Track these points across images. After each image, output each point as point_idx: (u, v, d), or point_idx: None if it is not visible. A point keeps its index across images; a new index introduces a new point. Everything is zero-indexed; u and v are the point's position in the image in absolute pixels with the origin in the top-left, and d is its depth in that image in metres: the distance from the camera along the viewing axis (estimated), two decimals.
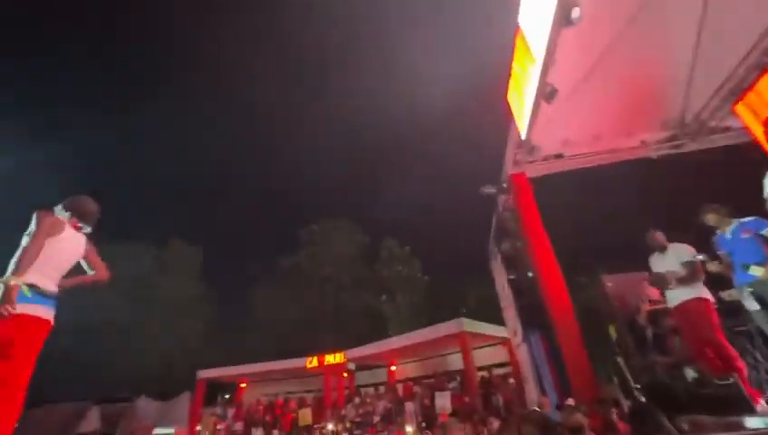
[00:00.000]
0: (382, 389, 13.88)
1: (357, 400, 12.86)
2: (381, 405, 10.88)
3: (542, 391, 5.25)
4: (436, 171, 30.98)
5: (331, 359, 14.75)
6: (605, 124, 5.19)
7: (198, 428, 14.82)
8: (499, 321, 11.08)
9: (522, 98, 4.08)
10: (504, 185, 5.68)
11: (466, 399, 9.34)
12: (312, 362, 15.27)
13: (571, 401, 3.53)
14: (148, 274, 23.19)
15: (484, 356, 12.67)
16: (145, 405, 8.79)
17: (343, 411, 12.09)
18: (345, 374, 15.25)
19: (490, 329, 11.59)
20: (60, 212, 2.26)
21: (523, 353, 6.15)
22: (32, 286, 1.98)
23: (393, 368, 15.38)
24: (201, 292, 24.81)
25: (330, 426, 11.23)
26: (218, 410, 16.58)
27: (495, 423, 5.67)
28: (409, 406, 9.56)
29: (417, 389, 11.36)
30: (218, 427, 14.79)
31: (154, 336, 21.51)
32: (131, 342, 21.01)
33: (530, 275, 5.72)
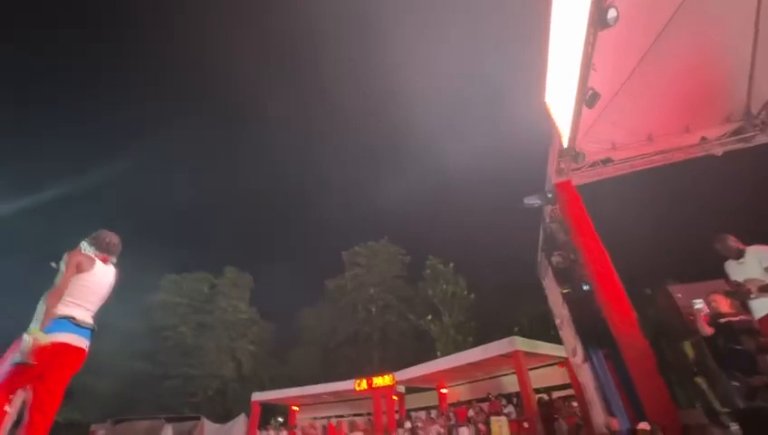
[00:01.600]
0: (434, 413, 13.39)
1: (408, 424, 12.49)
2: (434, 430, 10.48)
3: (611, 414, 4.80)
4: (477, 185, 30.34)
5: (379, 381, 14.56)
6: (657, 123, 4.88)
7: None
8: (554, 339, 10.41)
9: (562, 103, 3.97)
10: (549, 195, 5.46)
11: (525, 424, 8.74)
12: (361, 384, 15.16)
13: (645, 426, 3.19)
14: (206, 301, 24.66)
15: (541, 377, 11.86)
16: (209, 425, 9.16)
17: None
18: (395, 397, 14.96)
19: (546, 348, 10.87)
20: (86, 248, 2.43)
21: (585, 374, 5.69)
22: (71, 318, 2.18)
23: (444, 390, 14.85)
24: (253, 316, 25.85)
25: None
26: (272, 432, 16.83)
27: None
28: (464, 432, 9.12)
29: (471, 413, 10.83)
30: None
31: (211, 361, 22.57)
32: (190, 365, 22.18)
33: (585, 288, 5.36)
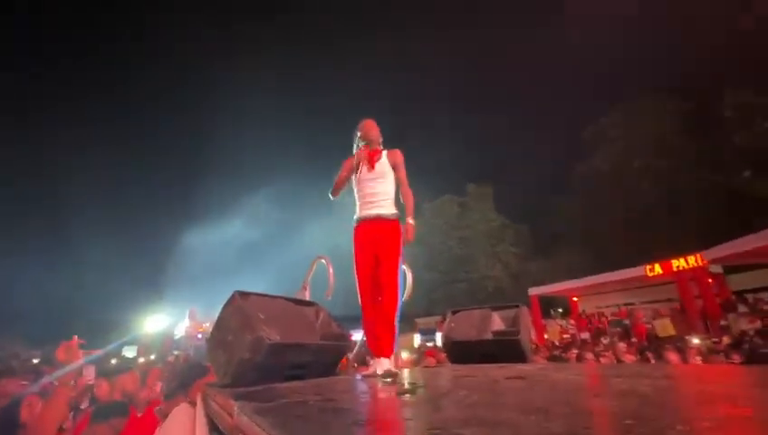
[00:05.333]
0: None
1: (742, 308, 9.91)
2: None
3: None
4: None
5: (681, 263, 12.11)
6: None
7: (546, 335, 16.38)
8: None
9: None
10: None
11: None
12: (654, 269, 13.13)
13: None
14: (459, 217, 27.61)
15: None
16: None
17: (724, 322, 9.67)
18: (710, 280, 12.12)
19: None
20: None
21: None
22: None
23: None
24: (504, 221, 26.93)
25: (696, 341, 9.22)
26: (560, 320, 17.62)
27: None
28: None
29: None
30: (564, 336, 15.72)
31: (483, 265, 25.53)
32: (467, 271, 25.93)
33: None
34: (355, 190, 2.61)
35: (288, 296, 2.41)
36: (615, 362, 5.51)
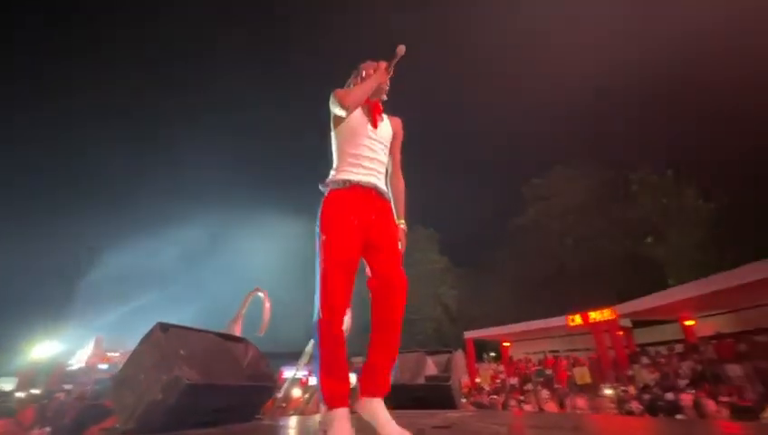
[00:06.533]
0: (679, 347, 11.34)
1: (645, 359, 11.05)
2: (686, 366, 8.89)
3: None
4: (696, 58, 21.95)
5: (597, 316, 13.33)
6: None
7: (478, 380, 16.73)
8: None
9: None
10: None
11: None
12: (575, 320, 14.27)
13: None
14: (406, 256, 28.13)
15: None
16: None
17: (630, 372, 10.67)
18: (620, 332, 13.44)
19: None
20: None
21: None
22: None
23: (689, 323, 12.28)
24: (446, 264, 27.89)
25: (608, 391, 10.07)
26: (492, 365, 18.17)
27: None
28: (735, 369, 7.35)
29: (742, 347, 8.59)
30: (495, 381, 16.18)
31: (424, 305, 25.91)
32: (411, 311, 26.11)
33: None
34: (341, 143, 1.82)
35: (217, 331, 2.25)
36: (537, 409, 5.78)
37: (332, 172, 1.81)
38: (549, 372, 14.04)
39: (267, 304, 3.22)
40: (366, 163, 1.79)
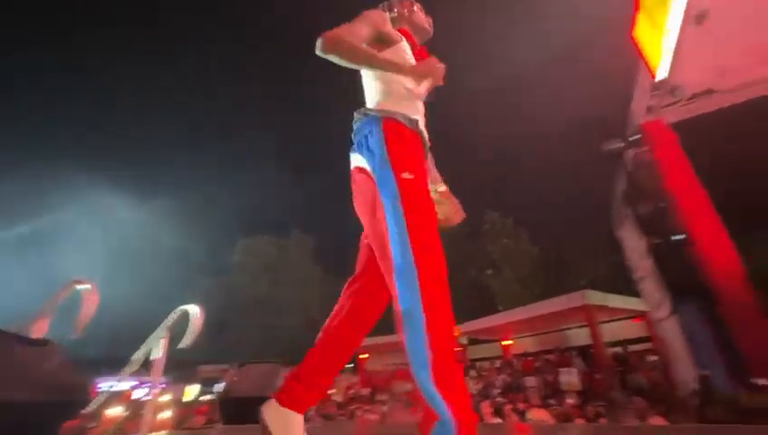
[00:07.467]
0: (498, 363, 13.72)
1: (473, 373, 12.98)
2: (500, 379, 10.79)
3: (703, 368, 4.54)
4: (538, 127, 27.99)
5: None
6: None
7: (332, 391, 16.87)
8: (628, 292, 9.88)
9: (658, 29, 3.42)
10: (634, 138, 4.90)
11: (598, 376, 8.62)
12: None
13: (765, 382, 3.00)
14: (276, 260, 26.92)
15: (613, 331, 11.50)
16: None
17: None
18: (457, 348, 15.54)
19: (619, 301, 10.37)
20: None
21: (671, 329, 5.37)
22: None
23: (506, 342, 15.03)
24: (318, 273, 27.79)
25: None
26: (348, 376, 18.57)
27: (641, 403, 5.11)
28: (531, 380, 9.26)
29: (538, 364, 10.93)
30: (349, 392, 16.59)
31: (286, 312, 25.04)
32: (266, 318, 24.84)
33: (675, 238, 4.90)
34: (394, 80, 1.31)
35: (11, 331, 1.74)
36: (382, 418, 6.17)
37: (378, 100, 1.31)
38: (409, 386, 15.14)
39: (93, 299, 2.60)
40: (420, 106, 1.36)
